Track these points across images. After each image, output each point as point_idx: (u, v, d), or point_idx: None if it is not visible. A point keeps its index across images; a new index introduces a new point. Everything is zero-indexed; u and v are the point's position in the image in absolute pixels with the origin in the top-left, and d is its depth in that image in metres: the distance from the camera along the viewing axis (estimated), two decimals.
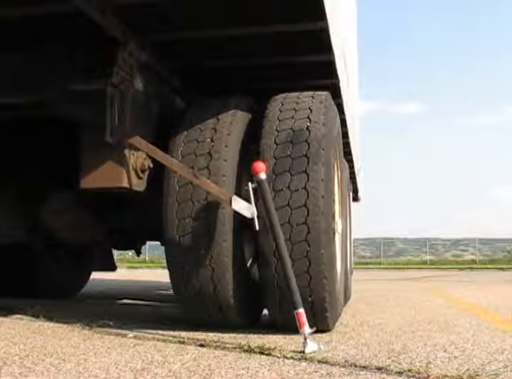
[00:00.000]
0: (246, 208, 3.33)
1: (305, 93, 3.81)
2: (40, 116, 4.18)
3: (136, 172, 3.57)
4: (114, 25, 3.25)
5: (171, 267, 3.55)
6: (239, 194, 3.53)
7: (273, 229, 3.23)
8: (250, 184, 3.32)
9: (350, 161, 7.80)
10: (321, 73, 4.34)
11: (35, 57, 3.54)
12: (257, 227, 3.30)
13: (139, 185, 3.62)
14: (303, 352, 2.87)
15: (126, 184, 3.48)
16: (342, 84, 4.70)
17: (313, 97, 3.75)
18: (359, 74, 10.87)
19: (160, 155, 3.47)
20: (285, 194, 3.39)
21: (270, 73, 4.40)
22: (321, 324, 3.46)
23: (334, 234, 3.86)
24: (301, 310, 3.10)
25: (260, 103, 3.87)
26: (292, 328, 3.53)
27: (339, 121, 4.26)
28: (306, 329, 3.03)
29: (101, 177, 3.45)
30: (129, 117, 3.46)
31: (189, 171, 3.41)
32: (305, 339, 2.95)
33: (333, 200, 3.82)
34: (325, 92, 3.86)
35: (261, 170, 3.30)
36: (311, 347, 2.92)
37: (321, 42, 3.70)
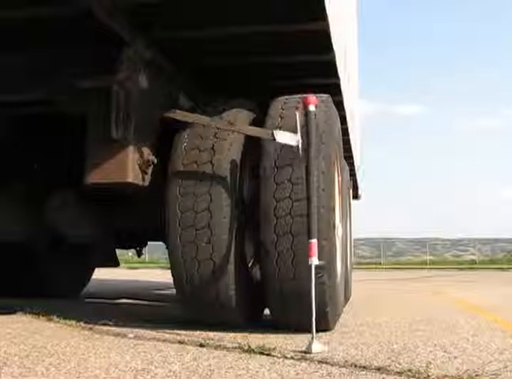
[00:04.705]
0: (290, 138, 3.38)
1: (305, 95, 3.83)
2: (45, 114, 4.20)
3: (140, 167, 3.60)
4: (120, 25, 3.29)
5: (173, 260, 3.57)
6: (241, 187, 3.57)
7: (308, 161, 3.24)
8: (297, 113, 3.37)
9: (350, 158, 7.82)
10: (322, 72, 4.36)
11: (42, 55, 3.58)
12: (300, 154, 3.35)
13: (143, 181, 3.66)
14: (309, 352, 2.86)
15: (130, 179, 3.52)
16: (342, 83, 4.72)
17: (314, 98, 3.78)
18: (359, 72, 10.87)
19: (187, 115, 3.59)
20: (286, 187, 3.41)
21: (272, 71, 4.42)
22: (321, 319, 3.44)
23: (335, 226, 3.88)
24: (314, 241, 3.12)
25: (262, 104, 3.89)
26: (294, 327, 3.55)
27: (339, 122, 4.27)
28: (315, 260, 3.09)
29: (106, 172, 3.49)
30: (134, 113, 3.50)
31: (218, 121, 3.50)
32: (312, 338, 2.94)
33: (334, 193, 3.84)
34: (325, 95, 3.89)
35: (313, 102, 3.33)
36: (317, 347, 2.90)
37: (323, 41, 3.72)
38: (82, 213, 4.57)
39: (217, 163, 3.52)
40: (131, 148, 3.51)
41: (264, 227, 3.41)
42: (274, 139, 3.39)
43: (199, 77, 4.40)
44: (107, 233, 4.89)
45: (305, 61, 4.21)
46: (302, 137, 3.34)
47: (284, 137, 3.39)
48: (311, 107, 3.32)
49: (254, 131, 3.51)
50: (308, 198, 3.22)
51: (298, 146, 3.37)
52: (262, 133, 3.47)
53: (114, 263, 6.20)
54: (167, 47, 3.79)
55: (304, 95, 3.40)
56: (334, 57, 3.98)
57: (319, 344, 2.94)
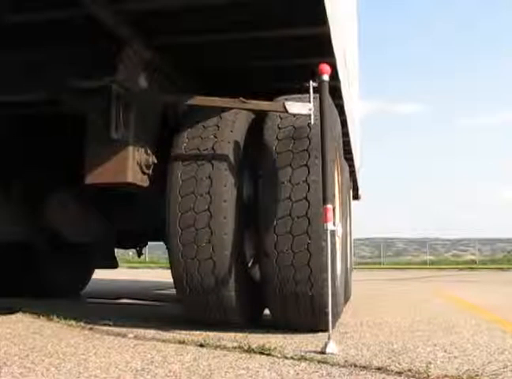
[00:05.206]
0: (302, 107, 3.39)
1: (306, 96, 3.83)
2: (45, 114, 4.21)
3: (140, 168, 3.61)
4: (122, 27, 3.31)
5: (173, 260, 3.57)
6: (241, 188, 3.57)
7: (322, 129, 3.23)
8: (311, 81, 3.35)
9: (350, 159, 7.82)
10: None
11: (42, 55, 3.59)
12: (312, 122, 3.38)
13: (143, 181, 3.67)
14: (324, 352, 2.85)
15: (130, 179, 3.53)
16: (343, 86, 4.72)
17: (314, 98, 3.77)
18: (360, 74, 10.88)
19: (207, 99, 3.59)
20: (287, 187, 3.41)
21: (272, 74, 4.42)
22: (321, 318, 3.45)
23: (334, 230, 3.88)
24: (329, 206, 3.10)
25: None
26: (294, 327, 3.55)
27: (339, 122, 4.26)
28: (330, 225, 3.06)
29: (106, 172, 3.49)
30: (133, 113, 3.50)
31: (234, 100, 3.52)
32: (328, 338, 2.93)
33: (333, 194, 3.84)
34: None
35: (326, 72, 3.29)
36: (332, 348, 2.89)
37: (323, 45, 3.71)
38: (82, 213, 4.58)
39: (217, 163, 3.53)
40: (131, 148, 3.52)
41: (264, 227, 3.41)
42: (286, 111, 3.39)
43: (199, 78, 4.40)
44: (107, 233, 4.89)
45: (306, 65, 4.21)
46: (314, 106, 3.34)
47: (296, 108, 3.39)
48: (325, 77, 3.27)
49: (266, 105, 3.52)
50: (323, 166, 3.21)
51: (310, 115, 3.37)
52: (274, 107, 3.47)
53: (113, 264, 6.20)
54: (167, 49, 3.80)
55: (320, 64, 3.35)
56: (335, 60, 3.97)
57: (334, 345, 2.91)
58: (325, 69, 3.28)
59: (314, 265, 3.36)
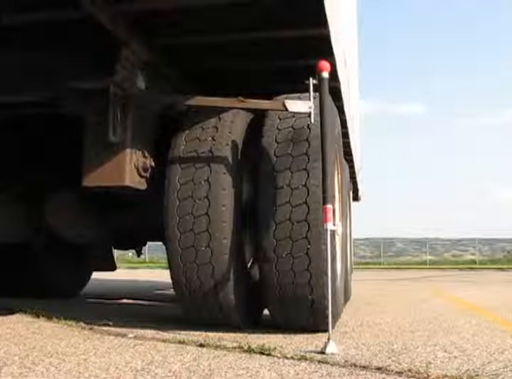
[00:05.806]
0: (302, 105, 3.39)
1: (306, 94, 3.82)
2: (45, 114, 4.21)
3: (138, 171, 3.60)
4: (121, 28, 3.31)
5: (172, 264, 3.56)
6: (240, 191, 3.56)
7: (323, 126, 3.23)
8: (311, 79, 3.34)
9: (350, 161, 7.82)
10: None
11: (41, 56, 3.59)
12: (312, 120, 3.38)
13: (141, 184, 3.65)
14: (324, 352, 2.85)
15: (127, 182, 3.51)
16: (343, 87, 4.72)
17: (314, 98, 3.77)
18: (360, 75, 10.88)
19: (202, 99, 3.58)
20: (286, 192, 3.40)
21: (272, 75, 4.42)
22: (322, 321, 3.45)
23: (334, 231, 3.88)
24: (329, 206, 3.10)
25: None
26: (293, 328, 3.55)
27: (339, 122, 4.26)
28: (330, 225, 3.06)
29: (103, 175, 3.48)
30: (131, 115, 3.49)
31: (233, 99, 3.51)
32: (328, 339, 2.93)
33: (334, 197, 3.84)
34: None
35: (326, 69, 3.27)
36: (332, 348, 2.89)
37: (323, 47, 3.71)
38: (81, 213, 4.57)
39: (216, 166, 3.51)
40: (128, 151, 3.50)
41: (263, 231, 3.39)
42: (286, 109, 3.39)
43: (198, 79, 4.40)
44: (106, 234, 4.89)
45: (305, 66, 4.21)
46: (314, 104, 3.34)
47: (296, 106, 3.38)
48: (324, 74, 3.26)
49: (266, 104, 3.52)
50: (323, 166, 3.20)
51: (310, 113, 3.36)
52: (274, 105, 3.47)
53: (111, 267, 6.20)
54: (166, 50, 3.80)
55: (319, 61, 3.33)
56: (335, 61, 3.97)
57: (334, 345, 2.91)
58: (325, 66, 3.26)
59: (314, 269, 3.35)
